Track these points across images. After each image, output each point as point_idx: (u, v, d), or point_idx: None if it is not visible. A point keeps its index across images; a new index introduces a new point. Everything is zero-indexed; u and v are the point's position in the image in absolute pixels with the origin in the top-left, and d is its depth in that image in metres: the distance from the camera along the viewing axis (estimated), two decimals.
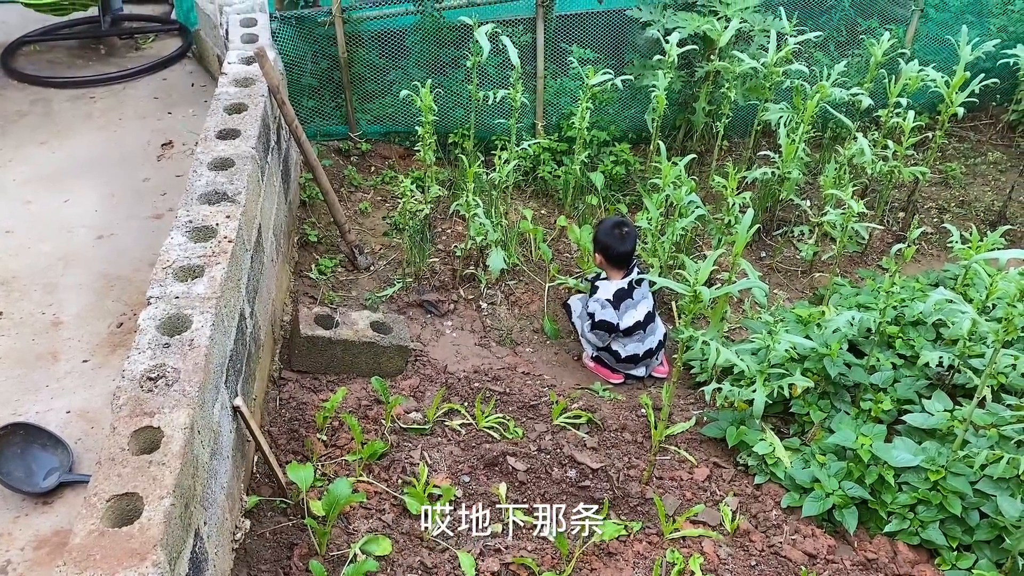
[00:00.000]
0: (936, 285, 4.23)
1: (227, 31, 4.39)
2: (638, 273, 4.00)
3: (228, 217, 2.95)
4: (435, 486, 3.07)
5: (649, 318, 4.01)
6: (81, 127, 5.04)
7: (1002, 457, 2.96)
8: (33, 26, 5.99)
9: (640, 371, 4.05)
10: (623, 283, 3.96)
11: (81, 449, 3.02)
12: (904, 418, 3.39)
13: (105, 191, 4.46)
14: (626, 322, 3.93)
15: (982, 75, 4.65)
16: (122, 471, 2.07)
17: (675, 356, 3.16)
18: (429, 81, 4.21)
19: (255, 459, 3.00)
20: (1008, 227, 4.11)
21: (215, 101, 3.67)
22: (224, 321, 2.65)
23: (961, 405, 3.40)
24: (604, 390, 3.95)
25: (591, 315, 3.96)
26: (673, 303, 4.43)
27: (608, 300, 3.93)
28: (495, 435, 3.40)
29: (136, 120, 5.13)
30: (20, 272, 3.86)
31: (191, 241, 2.84)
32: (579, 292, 4.31)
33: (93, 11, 5.97)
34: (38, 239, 4.09)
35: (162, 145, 4.89)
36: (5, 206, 4.28)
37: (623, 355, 3.98)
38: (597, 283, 4.04)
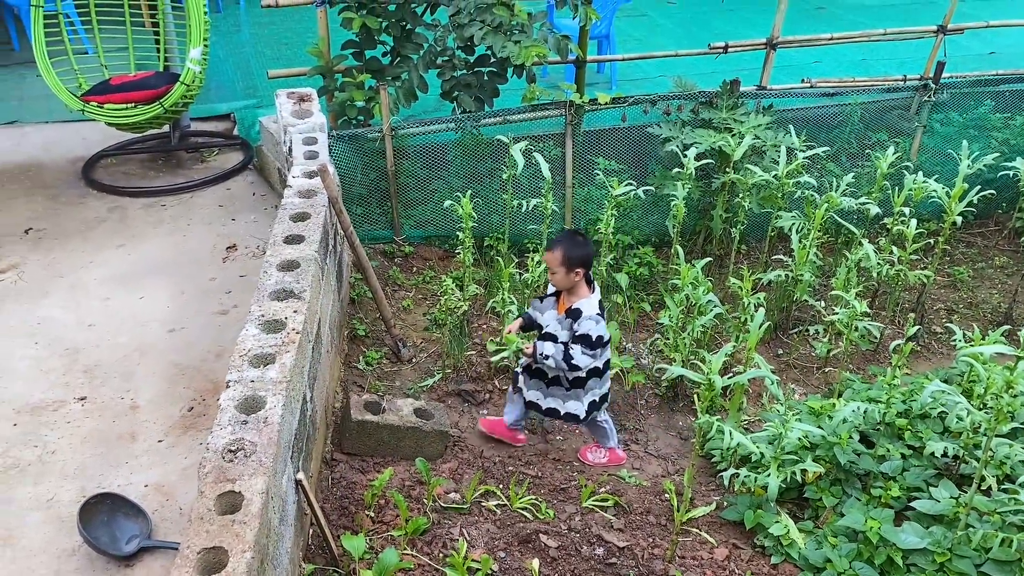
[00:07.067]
0: (946, 381, 4.48)
1: (290, 147, 4.92)
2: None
3: (295, 312, 3.35)
4: (474, 560, 3.33)
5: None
6: (153, 232, 5.56)
7: (1005, 539, 3.17)
8: (110, 142, 6.63)
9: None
10: (598, 296, 3.85)
11: (158, 519, 3.35)
12: (913, 504, 3.61)
13: (176, 289, 4.92)
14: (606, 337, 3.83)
15: (981, 186, 5.01)
16: (209, 528, 2.40)
17: (694, 441, 3.44)
18: (469, 191, 4.67)
19: (310, 531, 3.30)
20: (1008, 327, 4.39)
21: (282, 210, 4.14)
22: (292, 403, 3.01)
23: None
24: (630, 477, 4.21)
25: (586, 337, 3.73)
26: (695, 395, 4.71)
27: (598, 314, 3.79)
28: (528, 515, 3.67)
29: (203, 226, 5.65)
30: (101, 361, 4.28)
31: (263, 332, 3.24)
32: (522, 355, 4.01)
33: (164, 128, 6.62)
34: (116, 332, 4.52)
35: (227, 248, 5.37)
36: (87, 303, 4.75)
37: (599, 396, 3.98)
38: (576, 306, 3.77)
